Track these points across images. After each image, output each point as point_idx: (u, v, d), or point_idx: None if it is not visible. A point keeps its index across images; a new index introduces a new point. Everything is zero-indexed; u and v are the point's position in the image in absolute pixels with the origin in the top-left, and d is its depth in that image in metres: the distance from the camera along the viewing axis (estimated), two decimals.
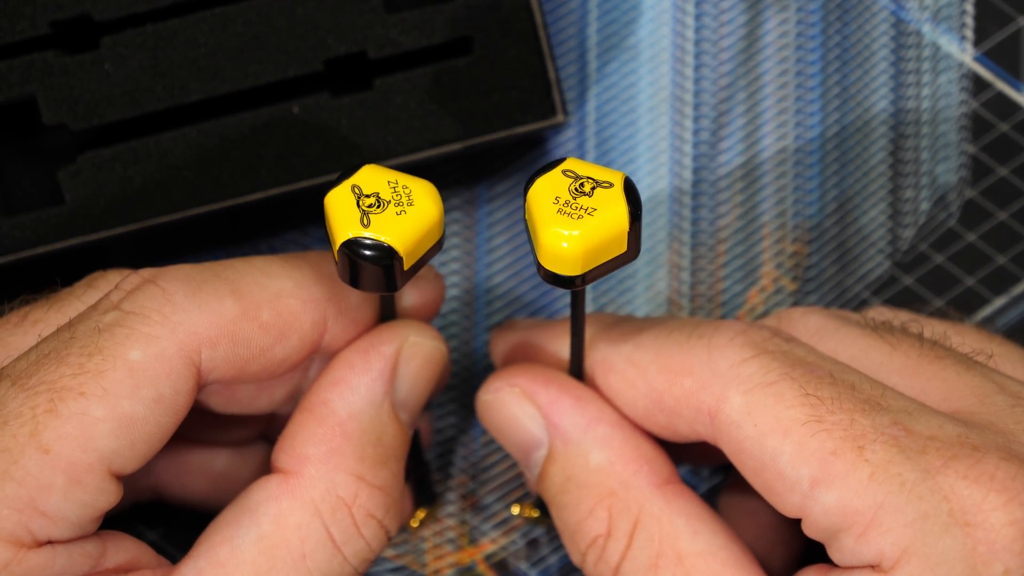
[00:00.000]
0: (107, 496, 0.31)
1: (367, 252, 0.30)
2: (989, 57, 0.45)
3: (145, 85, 0.40)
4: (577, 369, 0.36)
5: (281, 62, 0.40)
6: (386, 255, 0.30)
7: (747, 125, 0.44)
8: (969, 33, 0.45)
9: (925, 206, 0.44)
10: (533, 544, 0.43)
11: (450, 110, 0.40)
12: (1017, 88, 0.45)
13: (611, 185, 0.31)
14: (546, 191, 0.31)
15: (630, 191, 0.31)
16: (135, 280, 0.33)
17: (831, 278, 0.44)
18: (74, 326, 0.32)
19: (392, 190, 0.31)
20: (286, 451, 0.34)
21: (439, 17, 0.40)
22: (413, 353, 0.35)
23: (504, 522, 0.43)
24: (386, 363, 0.34)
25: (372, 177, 0.31)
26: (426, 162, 0.40)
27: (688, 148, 0.44)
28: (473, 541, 0.43)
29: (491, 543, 0.43)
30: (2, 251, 0.40)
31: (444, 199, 0.44)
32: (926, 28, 0.45)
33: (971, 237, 0.44)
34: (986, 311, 0.44)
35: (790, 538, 0.38)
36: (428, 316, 0.37)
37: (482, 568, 0.43)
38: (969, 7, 0.45)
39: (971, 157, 0.44)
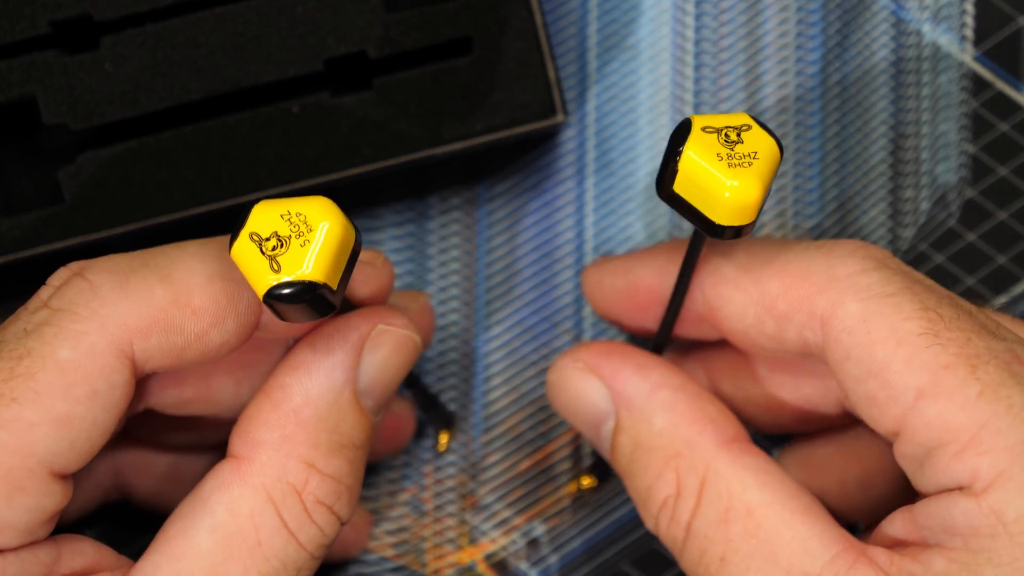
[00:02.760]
0: (53, 498, 0.31)
1: (290, 296, 0.29)
2: (989, 57, 0.45)
3: (145, 85, 0.40)
4: (682, 291, 0.36)
5: (281, 62, 0.40)
6: (308, 290, 0.29)
7: None
8: (969, 33, 0.45)
9: (925, 206, 0.44)
10: (533, 544, 0.43)
11: (450, 110, 0.40)
12: (1017, 88, 0.45)
13: (750, 127, 0.31)
14: (703, 152, 0.30)
15: (764, 125, 0.31)
16: (63, 274, 0.32)
17: None
18: (4, 329, 0.32)
19: (287, 223, 0.30)
20: (240, 436, 0.33)
21: (439, 17, 0.40)
22: (381, 340, 0.35)
23: (504, 522, 0.43)
24: (349, 349, 0.34)
25: (265, 217, 0.30)
26: (426, 162, 0.40)
27: None
28: (473, 541, 0.43)
29: (491, 543, 0.43)
30: (2, 251, 0.40)
31: (444, 199, 0.44)
32: (926, 28, 0.45)
33: (971, 237, 0.44)
34: None
35: (854, 502, 0.39)
36: (381, 299, 0.37)
37: (482, 568, 0.43)
38: (969, 7, 0.45)
39: (971, 157, 0.44)
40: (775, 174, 0.31)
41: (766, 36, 0.44)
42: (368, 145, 0.40)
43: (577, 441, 0.44)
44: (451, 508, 0.43)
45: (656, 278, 0.38)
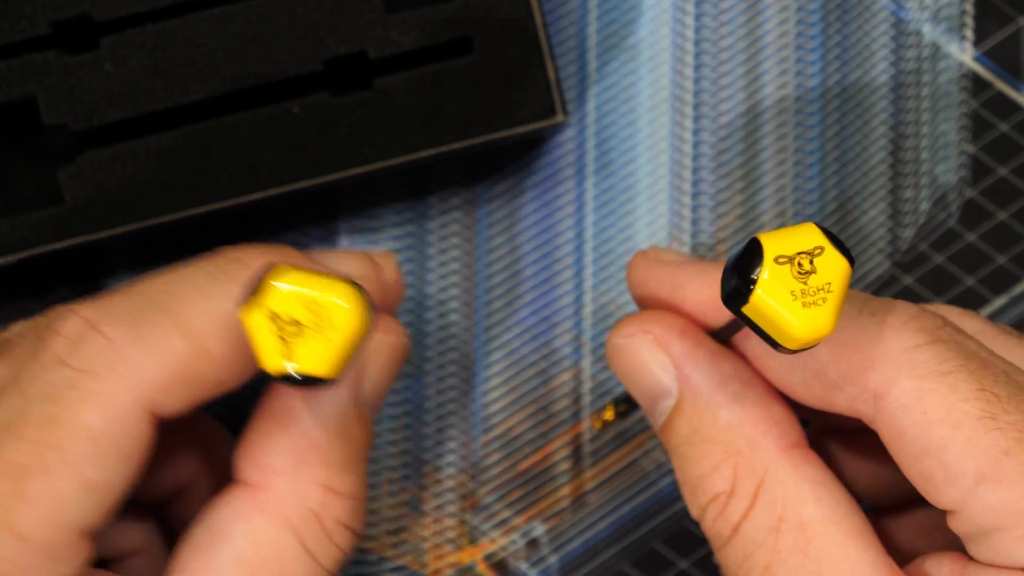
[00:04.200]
0: (84, 553, 0.31)
1: (297, 383, 0.29)
2: (989, 57, 0.45)
3: (145, 85, 0.40)
4: (728, 331, 0.36)
5: (281, 62, 0.40)
6: (317, 382, 0.29)
7: (747, 125, 0.44)
8: (969, 33, 0.45)
9: (925, 206, 0.44)
10: (533, 544, 0.43)
11: (450, 110, 0.40)
12: (1017, 88, 0.45)
13: (822, 249, 0.30)
14: (776, 292, 0.29)
15: (833, 239, 0.30)
16: (76, 325, 0.31)
17: None
18: (24, 390, 0.31)
19: (310, 312, 0.29)
20: (252, 462, 0.33)
21: (439, 17, 0.40)
22: (378, 351, 0.35)
23: (504, 522, 0.43)
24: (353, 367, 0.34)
25: (285, 298, 0.29)
26: (426, 162, 0.40)
27: (688, 148, 0.44)
28: (473, 541, 0.43)
29: (491, 543, 0.43)
30: (2, 251, 0.40)
31: (444, 199, 0.44)
32: (926, 28, 0.45)
33: (971, 237, 0.44)
34: (986, 311, 0.44)
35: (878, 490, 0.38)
36: (392, 308, 0.37)
37: (482, 568, 0.43)
38: (969, 7, 0.45)
39: (971, 157, 0.44)
40: (847, 290, 0.30)
41: (766, 36, 0.44)
42: (368, 145, 0.40)
43: (578, 441, 0.44)
44: (451, 508, 0.43)
45: (702, 306, 0.37)
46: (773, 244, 0.29)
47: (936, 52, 0.45)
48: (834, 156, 0.44)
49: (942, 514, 0.33)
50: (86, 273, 0.43)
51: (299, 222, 0.44)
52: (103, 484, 0.31)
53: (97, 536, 0.31)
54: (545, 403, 0.44)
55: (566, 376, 0.44)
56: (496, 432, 0.44)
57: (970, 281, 0.44)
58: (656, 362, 0.36)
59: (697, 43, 0.44)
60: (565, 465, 0.44)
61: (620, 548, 0.43)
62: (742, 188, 0.44)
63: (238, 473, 0.34)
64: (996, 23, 0.45)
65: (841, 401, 0.33)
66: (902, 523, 0.38)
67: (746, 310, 0.30)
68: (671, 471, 0.44)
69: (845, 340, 0.33)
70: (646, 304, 0.39)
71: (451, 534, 0.43)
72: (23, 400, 0.31)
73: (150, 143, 0.40)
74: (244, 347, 0.32)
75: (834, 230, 0.44)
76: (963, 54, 0.45)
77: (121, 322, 0.31)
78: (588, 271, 0.44)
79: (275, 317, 0.29)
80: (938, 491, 0.32)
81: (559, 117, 0.40)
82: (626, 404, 0.43)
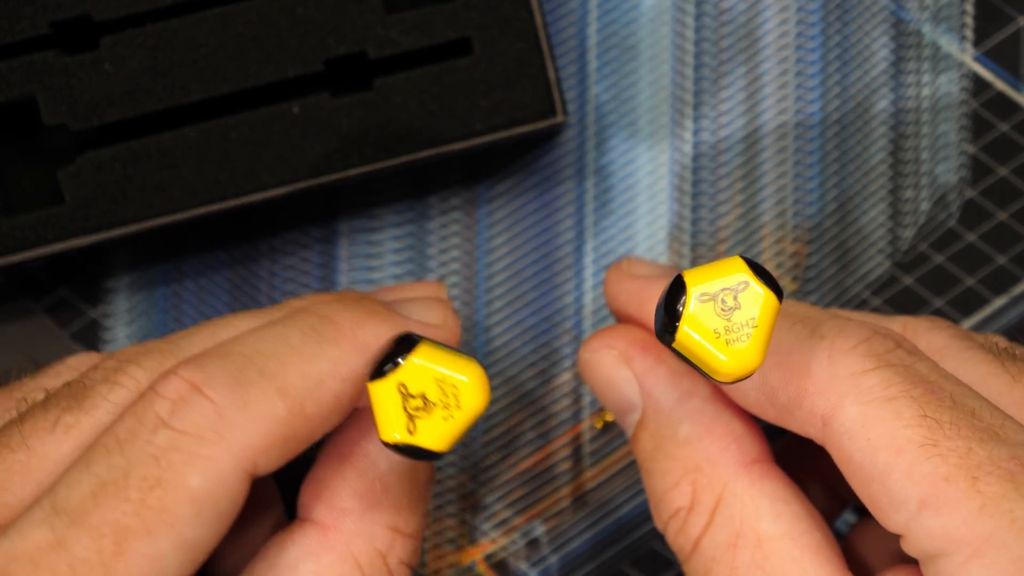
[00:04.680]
0: None
1: (412, 454, 0.30)
2: (989, 57, 0.45)
3: (145, 85, 0.40)
4: None
5: (281, 62, 0.40)
6: (431, 455, 0.30)
7: (747, 125, 0.44)
8: (969, 33, 0.45)
9: (925, 206, 0.44)
10: (533, 544, 0.43)
11: (450, 110, 0.40)
12: (1017, 88, 0.45)
13: (746, 284, 0.30)
14: (700, 329, 0.30)
15: (759, 271, 0.30)
16: (179, 387, 0.31)
17: (831, 278, 0.44)
18: (124, 448, 0.31)
19: (440, 390, 0.30)
20: (324, 503, 0.34)
21: (439, 17, 0.40)
22: None
23: (504, 522, 0.43)
24: None
25: (420, 372, 0.30)
26: (426, 162, 0.40)
27: (688, 148, 0.44)
28: (473, 541, 0.43)
29: (491, 543, 0.43)
30: (2, 251, 0.40)
31: (444, 199, 0.44)
32: (926, 28, 0.45)
33: (971, 237, 0.44)
34: (986, 311, 0.44)
35: (823, 507, 0.38)
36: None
37: (482, 568, 0.43)
38: (969, 7, 0.45)
39: (971, 157, 0.44)
40: (776, 321, 0.31)
41: (766, 36, 0.44)
42: (368, 145, 0.40)
43: (578, 441, 0.44)
44: (451, 508, 0.43)
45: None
46: (697, 281, 0.30)
47: (936, 52, 0.45)
48: (834, 156, 0.44)
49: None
50: (86, 273, 0.43)
51: (299, 222, 0.44)
52: (200, 543, 0.31)
53: None
54: (545, 403, 0.44)
55: (566, 376, 0.44)
56: (496, 432, 0.44)
57: (970, 281, 0.44)
58: (621, 377, 0.36)
59: (697, 43, 0.44)
60: (565, 465, 0.44)
61: (620, 548, 0.43)
62: (742, 188, 0.44)
63: (307, 512, 0.34)
64: (996, 23, 0.45)
65: (793, 424, 0.34)
66: (872, 536, 0.38)
67: (676, 346, 0.30)
68: None
69: (793, 365, 0.33)
70: (620, 317, 0.39)
71: (451, 534, 0.43)
72: (126, 460, 0.31)
73: (150, 143, 0.40)
74: (337, 406, 0.33)
75: (834, 230, 0.44)
76: (963, 54, 0.45)
77: (224, 385, 0.31)
78: (588, 271, 0.44)
79: (405, 392, 0.29)
80: (885, 516, 0.32)
81: (559, 117, 0.40)
82: None
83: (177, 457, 0.30)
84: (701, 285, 0.30)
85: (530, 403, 0.44)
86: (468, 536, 0.43)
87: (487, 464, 0.43)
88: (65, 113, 0.39)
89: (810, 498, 0.36)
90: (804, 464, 0.39)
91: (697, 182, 0.44)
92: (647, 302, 0.37)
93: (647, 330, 0.37)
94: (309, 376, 0.32)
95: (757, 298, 0.30)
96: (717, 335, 0.30)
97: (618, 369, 0.36)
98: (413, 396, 0.30)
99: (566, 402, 0.44)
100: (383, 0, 0.40)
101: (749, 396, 0.34)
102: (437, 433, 0.29)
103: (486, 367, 0.44)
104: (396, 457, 0.34)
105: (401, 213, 0.44)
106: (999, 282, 0.44)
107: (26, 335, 0.43)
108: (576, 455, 0.44)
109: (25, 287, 0.43)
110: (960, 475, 0.30)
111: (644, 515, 0.44)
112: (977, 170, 0.44)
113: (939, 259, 0.44)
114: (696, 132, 0.44)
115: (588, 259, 0.44)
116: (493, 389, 0.44)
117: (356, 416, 0.35)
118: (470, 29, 0.40)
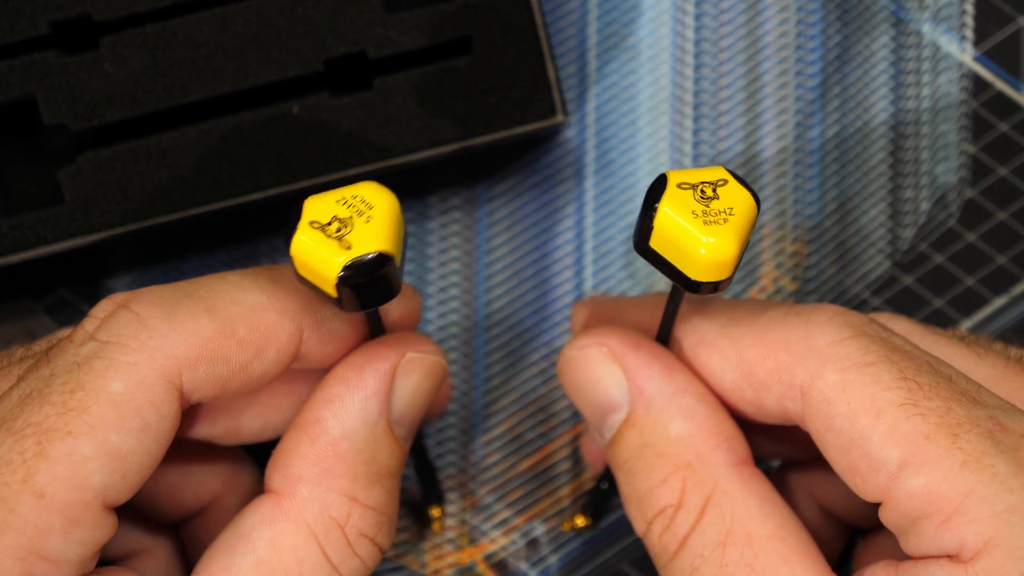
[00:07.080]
0: (104, 530, 0.31)
1: (367, 270, 0.30)
2: (989, 57, 0.45)
3: (145, 85, 0.40)
4: (664, 338, 0.36)
5: (281, 62, 0.40)
6: (383, 262, 0.30)
7: (747, 125, 0.44)
8: (969, 33, 0.45)
9: (925, 206, 0.44)
10: (533, 544, 0.43)
11: (450, 110, 0.40)
12: (1017, 88, 0.45)
13: (726, 181, 0.31)
14: (678, 209, 0.30)
15: (740, 179, 0.31)
16: (108, 306, 0.32)
17: (831, 278, 0.44)
18: (52, 361, 0.32)
19: (345, 206, 0.30)
20: (279, 471, 0.34)
21: (439, 17, 0.40)
22: (411, 368, 0.35)
23: (504, 522, 0.43)
24: (381, 379, 0.34)
25: (319, 206, 0.30)
26: (426, 162, 0.40)
27: (688, 148, 0.44)
28: (473, 541, 0.43)
29: (491, 543, 0.43)
30: (2, 251, 0.40)
31: (444, 199, 0.44)
32: (926, 28, 0.45)
33: (971, 237, 0.44)
34: (986, 311, 0.44)
35: (830, 535, 0.39)
36: (412, 325, 0.37)
37: (482, 568, 0.43)
38: (969, 7, 0.45)
39: (971, 157, 0.44)
40: (752, 228, 0.31)
41: (766, 36, 0.44)
42: (368, 145, 0.40)
43: (578, 441, 0.44)
44: (451, 508, 0.43)
45: (642, 327, 0.37)
46: (677, 176, 0.31)
47: (936, 52, 0.45)
48: (834, 156, 0.44)
49: (891, 534, 0.33)
50: (86, 273, 0.43)
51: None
52: (126, 453, 0.31)
53: (115, 512, 0.32)
54: (545, 403, 0.44)
55: None
56: (496, 432, 0.44)
57: (970, 281, 0.44)
58: (608, 375, 0.36)
59: (697, 43, 0.44)
60: (565, 465, 0.44)
61: (620, 548, 0.43)
62: None
63: (267, 482, 0.34)
64: (996, 23, 0.45)
65: (771, 402, 0.34)
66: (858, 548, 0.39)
67: (653, 243, 0.31)
68: None
69: (772, 340, 0.33)
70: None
71: (451, 534, 0.43)
72: (50, 369, 0.31)
73: (150, 143, 0.40)
74: (273, 334, 0.33)
75: (834, 230, 0.44)
76: (963, 54, 0.45)
77: (152, 303, 0.32)
78: (588, 271, 0.44)
79: (319, 226, 0.30)
80: (864, 482, 0.32)
81: (559, 117, 0.40)
82: (587, 513, 0.43)
83: (99, 363, 0.31)
84: (682, 175, 0.31)
85: (530, 403, 0.44)
86: (468, 536, 0.43)
87: (487, 464, 0.43)
88: (65, 113, 0.39)
89: (810, 527, 0.37)
90: (804, 488, 0.39)
91: None
92: (619, 316, 0.38)
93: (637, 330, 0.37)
94: (241, 302, 0.33)
95: (736, 192, 0.31)
96: (695, 215, 0.30)
97: (606, 367, 0.36)
98: (327, 224, 0.30)
99: (566, 402, 0.44)
100: (383, 0, 0.40)
101: (727, 378, 0.35)
102: (369, 235, 0.30)
103: (486, 367, 0.44)
104: (348, 423, 0.34)
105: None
106: (999, 282, 0.44)
107: (26, 335, 0.43)
108: (576, 455, 0.44)
109: (25, 287, 0.43)
110: (941, 432, 0.31)
111: None
112: (977, 170, 0.44)
113: (939, 259, 0.44)
114: (696, 132, 0.44)
115: (588, 259, 0.44)
116: (493, 389, 0.44)
117: (312, 386, 0.35)
118: (470, 29, 0.40)
